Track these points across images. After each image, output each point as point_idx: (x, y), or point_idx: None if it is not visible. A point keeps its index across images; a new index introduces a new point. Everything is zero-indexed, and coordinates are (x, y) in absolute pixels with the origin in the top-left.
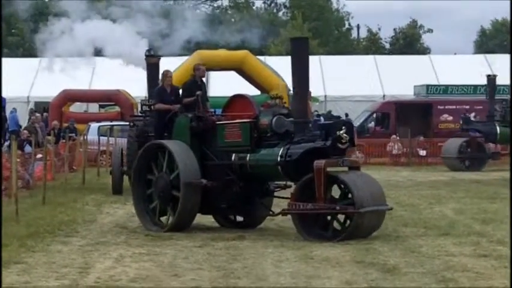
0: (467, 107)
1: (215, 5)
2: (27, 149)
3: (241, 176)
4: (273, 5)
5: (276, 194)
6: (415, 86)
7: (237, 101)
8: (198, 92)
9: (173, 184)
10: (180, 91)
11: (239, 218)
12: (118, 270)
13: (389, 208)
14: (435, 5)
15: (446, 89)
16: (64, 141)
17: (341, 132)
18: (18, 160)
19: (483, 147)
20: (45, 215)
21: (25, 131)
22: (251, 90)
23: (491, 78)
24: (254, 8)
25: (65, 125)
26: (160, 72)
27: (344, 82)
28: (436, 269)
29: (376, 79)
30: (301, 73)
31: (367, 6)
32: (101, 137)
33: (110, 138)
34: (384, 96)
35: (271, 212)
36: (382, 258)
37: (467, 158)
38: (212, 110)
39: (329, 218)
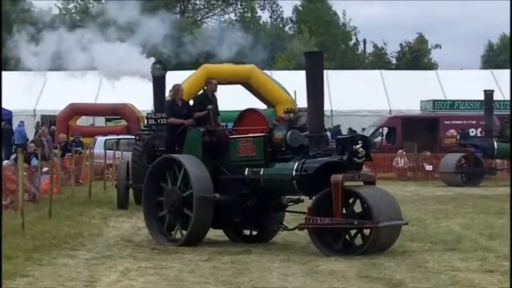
0: (474, 122)
1: (222, 19)
2: (34, 162)
3: (254, 190)
4: (279, 19)
5: (287, 208)
6: (421, 101)
7: (249, 115)
8: (210, 106)
9: (185, 200)
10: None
11: (248, 232)
12: (124, 284)
13: (405, 223)
14: (442, 18)
15: (452, 104)
16: (70, 154)
17: (357, 146)
18: (24, 174)
19: (481, 163)
20: (51, 228)
21: (32, 144)
22: (257, 105)
23: (488, 94)
24: (261, 22)
25: (71, 138)
26: (167, 86)
27: (350, 97)
28: (442, 284)
29: (382, 94)
30: (316, 87)
31: (373, 20)
32: (107, 151)
33: (116, 152)
34: (390, 111)
35: (283, 227)
36: (388, 273)
37: (465, 173)
38: (224, 124)
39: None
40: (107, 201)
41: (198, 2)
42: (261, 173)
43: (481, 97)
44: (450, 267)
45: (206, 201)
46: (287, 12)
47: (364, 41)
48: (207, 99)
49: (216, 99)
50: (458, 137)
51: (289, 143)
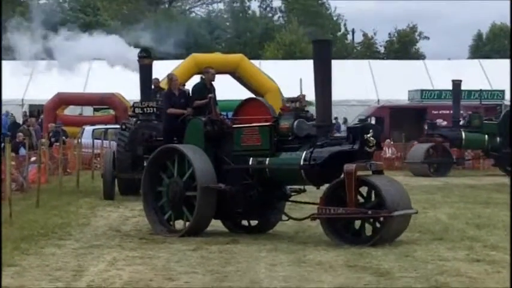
0: (461, 111)
1: (210, 8)
2: (22, 151)
3: (259, 180)
4: (268, 9)
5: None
6: (409, 91)
7: (250, 104)
8: (210, 95)
9: (187, 190)
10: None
11: (246, 223)
12: (111, 274)
13: (415, 212)
14: (430, 8)
15: (440, 94)
16: (58, 144)
17: (368, 135)
18: (12, 163)
19: (448, 153)
20: (39, 217)
21: (20, 134)
22: (246, 94)
23: (456, 83)
24: (250, 12)
25: (53, 125)
26: (154, 75)
27: (339, 86)
28: (430, 273)
29: (370, 84)
30: (324, 76)
31: (360, 11)
32: (95, 140)
33: (104, 142)
34: (378, 100)
35: (288, 217)
36: (375, 263)
37: (433, 164)
38: (224, 113)
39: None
40: (95, 191)
41: None
42: (267, 162)
43: (469, 87)
44: (437, 257)
45: (210, 192)
46: (276, 2)
47: (353, 31)
48: (205, 88)
49: (214, 89)
50: (426, 127)
51: (296, 132)
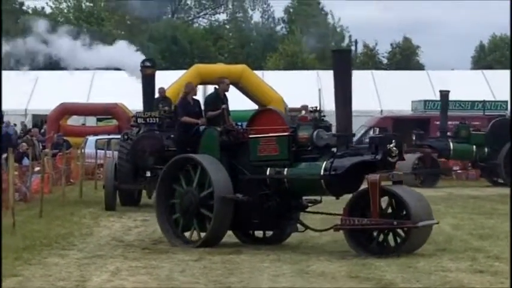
0: (466, 122)
1: (213, 18)
2: (25, 161)
3: (277, 190)
4: (270, 19)
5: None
6: (412, 101)
7: (264, 114)
8: (224, 106)
9: (202, 201)
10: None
11: (258, 233)
12: (115, 284)
13: (436, 222)
14: (431, 19)
15: None
16: (61, 154)
17: (391, 145)
18: (16, 173)
19: (437, 163)
20: (42, 227)
21: (24, 144)
22: (248, 104)
23: (443, 94)
24: (252, 22)
25: (55, 135)
26: (157, 85)
27: None
28: (433, 284)
29: (373, 94)
30: (343, 86)
31: (361, 21)
32: (99, 151)
33: (107, 152)
34: (381, 111)
35: (305, 228)
36: (378, 274)
37: (421, 175)
38: (239, 123)
39: (375, 233)
40: (98, 201)
41: (189, 2)
42: (285, 172)
43: (472, 98)
44: (440, 268)
45: (227, 202)
46: (278, 12)
47: (356, 42)
48: (219, 99)
49: (227, 99)
50: (414, 138)
51: (315, 142)
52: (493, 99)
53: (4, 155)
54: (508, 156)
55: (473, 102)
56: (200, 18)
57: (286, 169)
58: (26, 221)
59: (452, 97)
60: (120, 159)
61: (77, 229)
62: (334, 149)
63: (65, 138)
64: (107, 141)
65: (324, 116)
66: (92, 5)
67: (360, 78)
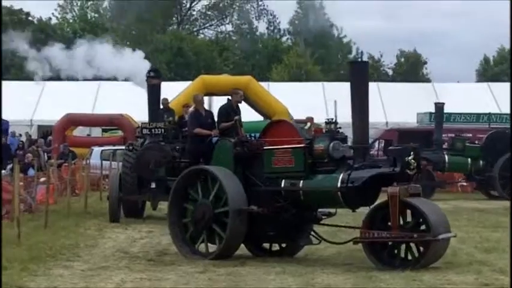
0: (470, 135)
1: (219, 29)
2: (30, 172)
3: (292, 202)
4: (276, 30)
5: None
6: (418, 114)
7: (277, 126)
8: (237, 117)
9: (216, 215)
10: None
11: (268, 246)
12: None
13: (454, 235)
14: (438, 32)
15: (449, 116)
16: (67, 165)
17: (409, 158)
18: (21, 184)
19: (432, 176)
20: (47, 238)
21: (29, 155)
22: (254, 115)
23: (438, 106)
24: (257, 33)
25: (61, 145)
26: (162, 95)
27: (347, 109)
28: None
29: (379, 106)
30: (360, 97)
31: (366, 32)
32: (104, 161)
33: (113, 163)
34: (387, 123)
35: (320, 240)
36: (383, 286)
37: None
38: (253, 135)
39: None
40: (103, 212)
41: (194, 13)
42: (301, 184)
43: (478, 110)
44: (446, 281)
45: (242, 214)
46: (284, 23)
47: (361, 53)
48: (232, 109)
49: (240, 110)
50: None
51: (332, 154)
52: (498, 111)
53: (9, 166)
54: (504, 169)
55: (478, 114)
56: (205, 30)
57: (301, 181)
58: (31, 232)
59: (457, 109)
60: (124, 170)
61: (82, 240)
62: (350, 161)
63: (70, 148)
64: (112, 152)
65: (340, 127)
66: (97, 15)
67: None
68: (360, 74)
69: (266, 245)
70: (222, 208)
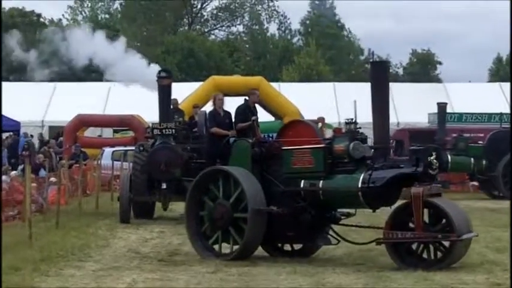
0: (482, 135)
1: (229, 30)
2: (42, 173)
3: (312, 203)
4: (287, 31)
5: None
6: (429, 114)
7: (294, 126)
8: (254, 117)
9: (234, 216)
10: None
11: (286, 246)
12: None
13: (476, 235)
14: (449, 31)
15: (460, 116)
16: (78, 165)
17: (432, 157)
18: (34, 184)
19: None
20: (58, 239)
21: (41, 156)
22: (265, 116)
23: (441, 106)
24: (268, 34)
25: (72, 146)
26: (173, 95)
27: (358, 109)
28: None
29: (390, 106)
30: (382, 97)
31: (378, 33)
32: (115, 162)
33: (124, 163)
34: (398, 123)
35: (339, 240)
36: (394, 286)
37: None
38: (270, 135)
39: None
40: (114, 212)
41: (205, 13)
42: (320, 185)
43: (489, 110)
44: (457, 281)
45: (261, 215)
46: (295, 24)
47: (373, 53)
48: (249, 110)
49: (256, 111)
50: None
51: (352, 154)
52: (510, 111)
53: (20, 167)
54: (506, 168)
55: (490, 114)
56: (216, 31)
57: (321, 181)
58: (43, 232)
59: (469, 110)
60: (134, 171)
61: (93, 240)
62: (370, 161)
63: (82, 149)
64: (123, 153)
65: (360, 127)
66: (108, 16)
67: None
68: (381, 74)
69: (282, 246)
70: (241, 213)
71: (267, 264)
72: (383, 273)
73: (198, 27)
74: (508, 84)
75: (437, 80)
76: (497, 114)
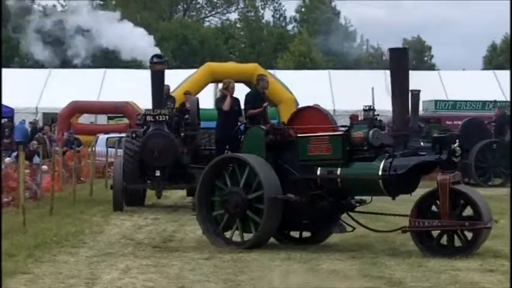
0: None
1: (224, 17)
2: (36, 160)
3: (329, 190)
4: (282, 18)
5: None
6: (423, 101)
7: (306, 113)
8: (266, 104)
9: (250, 203)
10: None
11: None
12: (125, 282)
13: (496, 221)
14: (443, 19)
15: (454, 104)
16: (72, 150)
17: (455, 145)
18: (27, 171)
19: None
20: (52, 225)
21: (35, 142)
22: None
23: (414, 94)
24: (263, 21)
25: (65, 133)
26: (167, 82)
27: (353, 97)
28: (443, 283)
29: (384, 94)
30: (401, 84)
31: (373, 21)
32: (109, 149)
33: (118, 150)
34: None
35: (350, 228)
36: (388, 272)
37: None
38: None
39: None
40: (108, 199)
41: (200, 0)
42: (338, 172)
43: (483, 98)
44: (451, 267)
45: (277, 203)
46: (290, 11)
47: (367, 41)
48: (259, 96)
49: (266, 97)
50: None
51: (371, 141)
52: (503, 99)
53: (14, 153)
54: (479, 156)
55: (484, 102)
56: (211, 17)
57: (339, 169)
58: (37, 219)
59: (463, 97)
60: (126, 158)
61: (87, 227)
62: (389, 149)
63: (75, 136)
64: (117, 140)
65: (378, 114)
66: (102, 2)
67: (371, 78)
68: (400, 60)
69: (292, 233)
70: (255, 193)
71: (261, 251)
72: (377, 259)
73: (193, 13)
74: (503, 71)
75: (431, 67)
76: (491, 101)
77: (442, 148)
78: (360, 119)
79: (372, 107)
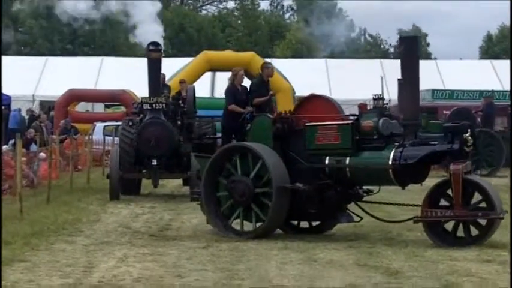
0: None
1: (221, 6)
2: (33, 147)
3: (337, 180)
4: (279, 7)
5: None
6: (420, 91)
7: (314, 101)
8: (272, 92)
9: (256, 193)
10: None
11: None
12: (122, 270)
13: (506, 211)
14: (439, 9)
15: (452, 94)
16: (68, 137)
17: (467, 134)
18: (24, 159)
19: None
20: (49, 213)
21: (31, 130)
22: None
23: (400, 83)
24: (260, 9)
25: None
26: (164, 71)
27: (350, 86)
28: (440, 273)
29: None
30: (411, 73)
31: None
32: (106, 137)
33: (115, 138)
34: (389, 100)
35: (357, 218)
36: (385, 262)
37: None
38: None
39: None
40: (105, 188)
41: None
42: (347, 162)
43: (480, 87)
44: (448, 257)
45: (285, 192)
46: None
47: (365, 31)
48: (264, 84)
49: (270, 85)
50: None
51: (381, 131)
52: (501, 88)
53: (11, 141)
54: None
55: (481, 91)
56: (208, 6)
57: (348, 158)
58: (34, 207)
59: (461, 87)
60: (122, 146)
61: (84, 215)
62: (398, 138)
63: (72, 124)
64: (114, 128)
65: (387, 103)
66: None
67: (368, 67)
68: (410, 49)
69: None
70: (262, 188)
71: (258, 240)
72: (374, 249)
73: (190, 1)
74: (500, 61)
75: (428, 56)
76: (488, 91)
77: (453, 137)
78: (368, 108)
79: (381, 96)
